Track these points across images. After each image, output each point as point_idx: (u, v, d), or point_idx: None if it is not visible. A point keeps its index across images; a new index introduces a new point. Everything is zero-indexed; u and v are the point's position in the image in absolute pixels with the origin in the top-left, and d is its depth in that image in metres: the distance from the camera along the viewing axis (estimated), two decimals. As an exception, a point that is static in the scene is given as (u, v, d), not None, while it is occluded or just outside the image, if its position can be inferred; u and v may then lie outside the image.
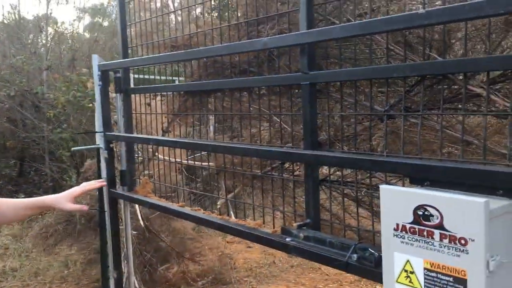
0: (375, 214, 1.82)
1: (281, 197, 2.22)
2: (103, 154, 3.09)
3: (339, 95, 1.89)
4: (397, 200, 1.35)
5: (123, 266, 3.39)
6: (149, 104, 3.68)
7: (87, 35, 13.78)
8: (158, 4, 2.93)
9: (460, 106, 1.64)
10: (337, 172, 2.09)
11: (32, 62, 9.42)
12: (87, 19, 15.99)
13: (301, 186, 2.23)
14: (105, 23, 14.40)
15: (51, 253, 5.63)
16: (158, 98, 4.27)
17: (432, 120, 1.66)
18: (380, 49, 1.92)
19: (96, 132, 3.11)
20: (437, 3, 1.69)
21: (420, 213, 1.29)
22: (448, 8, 1.29)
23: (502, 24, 1.50)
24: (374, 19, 1.55)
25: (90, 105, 8.21)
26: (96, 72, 3.08)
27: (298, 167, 2.19)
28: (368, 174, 1.86)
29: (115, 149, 3.14)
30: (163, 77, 3.36)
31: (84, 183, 1.97)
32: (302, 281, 5.51)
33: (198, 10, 2.80)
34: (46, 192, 7.97)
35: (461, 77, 1.53)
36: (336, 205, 2.06)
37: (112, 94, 3.30)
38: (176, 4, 2.92)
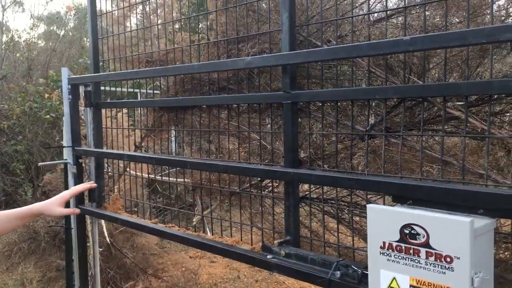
0: (355, 231, 1.87)
1: (259, 214, 2.23)
2: (71, 169, 3.01)
3: (320, 114, 1.93)
4: (384, 219, 1.40)
5: (89, 286, 3.29)
6: (114, 118, 3.62)
7: (41, 43, 13.39)
8: (133, 19, 2.91)
9: (438, 127, 1.72)
10: (317, 190, 2.13)
11: (-15, 71, 9.05)
12: (42, 28, 15.57)
13: (280, 203, 2.25)
14: (61, 32, 14.05)
15: (4, 272, 5.38)
16: (125, 110, 4.21)
17: (411, 141, 1.73)
18: (361, 71, 1.98)
19: (65, 146, 3.03)
20: (415, 28, 1.78)
21: (407, 231, 1.34)
22: (432, 35, 1.36)
23: (479, 50, 1.60)
24: (359, 43, 1.60)
25: (47, 116, 7.96)
26: (65, 85, 3.00)
27: (277, 184, 2.21)
28: (348, 192, 1.90)
29: (83, 164, 3.06)
30: (127, 89, 3.32)
31: (74, 186, 1.92)
32: (267, 296, 5.51)
33: (175, 25, 2.80)
34: (-2, 207, 7.62)
35: (439, 100, 1.60)
36: (315, 222, 2.09)
37: (81, 108, 3.23)
38: (152, 18, 2.91)
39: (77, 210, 1.86)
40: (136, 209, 3.57)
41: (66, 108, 3.03)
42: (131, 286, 4.79)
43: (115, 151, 2.69)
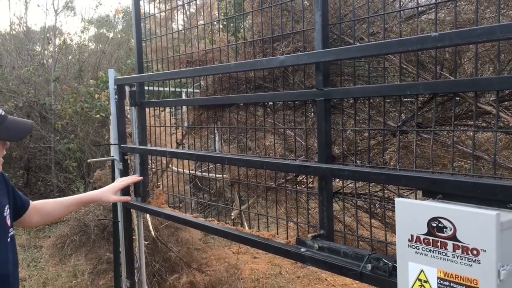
0: (388, 226, 1.89)
1: (295, 209, 2.29)
2: (118, 166, 3.17)
3: (352, 111, 1.97)
4: (411, 213, 1.42)
5: (135, 277, 3.45)
6: (158, 117, 3.77)
7: (91, 46, 13.94)
8: (174, 22, 3.03)
9: (469, 122, 1.72)
10: (350, 185, 2.16)
11: (39, 74, 9.55)
12: (92, 31, 16.18)
13: (315, 198, 2.30)
14: (111, 34, 14.56)
15: (58, 263, 5.70)
16: (167, 110, 4.37)
17: (442, 136, 1.74)
18: (393, 67, 2.00)
19: (112, 144, 3.19)
20: (447, 24, 1.78)
21: (434, 225, 1.36)
22: (460, 31, 1.38)
23: (510, 45, 1.59)
24: (389, 40, 1.63)
25: (97, 116, 8.32)
26: (112, 86, 3.17)
27: (312, 180, 2.26)
28: (381, 187, 1.93)
29: (129, 161, 3.22)
30: (169, 89, 3.45)
31: (121, 178, 2.13)
32: (308, 292, 5.54)
33: (212, 25, 2.90)
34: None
35: (471, 95, 1.61)
36: (349, 217, 2.13)
37: (126, 107, 3.39)
38: (192, 20, 3.02)
39: (129, 198, 2.04)
40: (180, 205, 3.71)
41: (112, 108, 3.20)
42: (176, 279, 4.96)
43: (158, 148, 2.82)
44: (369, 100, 1.88)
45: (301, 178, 2.38)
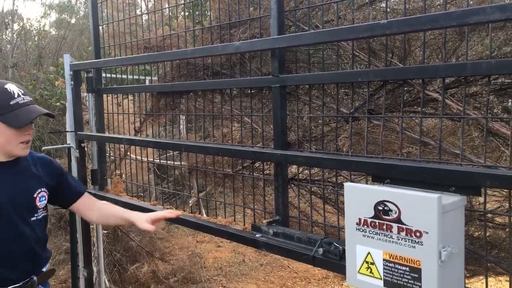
0: (341, 211, 1.93)
1: (252, 196, 2.30)
2: (74, 154, 3.11)
3: (307, 98, 1.99)
4: (359, 197, 1.45)
5: (93, 267, 3.40)
6: (120, 104, 3.70)
7: (53, 32, 13.53)
8: (131, 4, 2.96)
9: (418, 109, 1.76)
10: (305, 171, 2.19)
11: (-4, 60, 9.21)
12: (53, 16, 15.69)
13: (271, 184, 2.32)
14: (72, 20, 14.16)
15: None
16: (130, 98, 4.30)
17: (393, 122, 1.77)
18: (346, 55, 2.02)
19: (68, 131, 3.12)
20: (397, 12, 1.81)
21: (380, 208, 1.40)
22: (406, 19, 1.40)
23: (457, 34, 1.63)
24: (340, 27, 1.65)
25: (58, 103, 8.10)
26: (67, 72, 3.09)
27: (268, 166, 2.27)
28: (334, 173, 1.96)
29: (86, 149, 3.15)
30: (133, 76, 3.39)
31: (164, 212, 2.11)
32: (271, 279, 5.61)
33: (171, 11, 2.85)
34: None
35: (419, 82, 1.64)
36: (303, 203, 2.15)
37: (83, 94, 3.31)
38: (149, 5, 2.96)
39: (153, 228, 2.02)
40: (143, 194, 3.66)
41: (68, 94, 3.12)
42: (137, 268, 4.92)
43: (115, 136, 2.77)
44: (323, 87, 1.90)
45: (257, 165, 2.39)
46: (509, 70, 1.34)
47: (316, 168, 2.10)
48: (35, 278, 1.99)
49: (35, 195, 1.95)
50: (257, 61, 2.25)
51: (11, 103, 1.82)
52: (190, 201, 2.43)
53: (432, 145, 1.63)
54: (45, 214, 2.02)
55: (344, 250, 1.65)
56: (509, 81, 1.62)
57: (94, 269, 3.37)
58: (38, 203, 1.96)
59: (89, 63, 2.98)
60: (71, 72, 3.04)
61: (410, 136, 1.71)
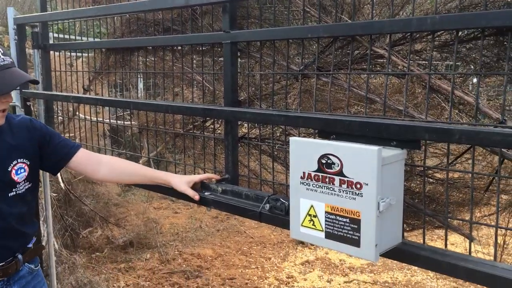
0: (289, 169, 1.94)
1: (202, 155, 2.28)
2: (19, 113, 2.98)
3: (258, 55, 1.96)
4: (304, 151, 1.46)
5: (42, 229, 3.32)
6: (72, 65, 3.56)
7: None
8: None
9: (366, 67, 1.77)
10: (256, 131, 2.18)
11: None
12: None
13: (221, 144, 2.30)
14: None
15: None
16: (80, 60, 4.14)
17: (341, 80, 1.78)
18: (297, 11, 2.00)
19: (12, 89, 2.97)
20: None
21: (324, 161, 1.41)
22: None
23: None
24: (289, -21, 1.62)
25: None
26: (11, 26, 2.93)
27: (219, 126, 2.25)
28: (284, 132, 1.96)
29: (32, 108, 3.03)
30: (87, 38, 3.24)
31: (202, 175, 1.92)
32: (227, 244, 5.67)
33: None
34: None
35: (367, 39, 1.65)
36: (253, 161, 2.15)
37: (29, 51, 3.16)
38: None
39: (197, 197, 1.85)
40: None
41: (12, 50, 2.96)
42: (90, 232, 4.85)
43: (62, 93, 2.67)
44: (274, 44, 1.87)
45: (208, 125, 2.37)
46: (453, 25, 1.35)
47: (266, 127, 2.09)
48: (20, 256, 1.86)
49: (9, 169, 1.76)
50: (209, 17, 2.19)
51: None
52: (140, 161, 2.39)
53: (378, 103, 1.65)
54: (29, 186, 1.83)
55: (289, 206, 1.67)
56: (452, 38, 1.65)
57: (43, 232, 3.30)
58: (15, 177, 1.77)
59: (34, 16, 2.84)
60: (15, 26, 2.89)
61: (357, 93, 1.72)
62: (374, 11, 1.61)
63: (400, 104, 1.64)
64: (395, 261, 5.11)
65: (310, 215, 1.47)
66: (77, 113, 3.07)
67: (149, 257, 5.14)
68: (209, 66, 2.23)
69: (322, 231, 1.44)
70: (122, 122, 2.97)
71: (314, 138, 1.80)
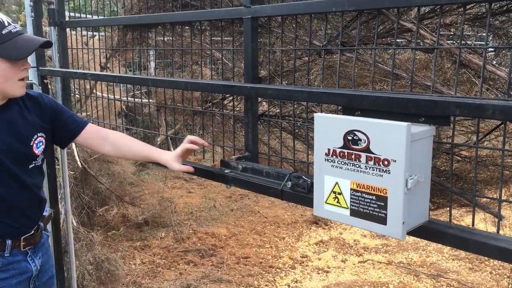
0: (310, 146, 1.91)
1: (221, 133, 2.26)
2: (37, 90, 2.98)
3: (280, 31, 1.92)
4: (329, 127, 1.43)
5: (60, 206, 3.35)
6: (87, 44, 3.54)
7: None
8: None
9: (392, 41, 1.73)
10: (275, 109, 2.15)
11: (-47, -4, 8.64)
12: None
13: (241, 122, 2.28)
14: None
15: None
16: (96, 38, 4.12)
17: (366, 55, 1.74)
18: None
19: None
20: None
21: (350, 138, 1.38)
22: None
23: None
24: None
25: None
26: (27, 3, 2.91)
27: (238, 103, 2.23)
28: (305, 109, 1.93)
29: (49, 86, 3.02)
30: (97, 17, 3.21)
31: (186, 145, 1.84)
32: (241, 223, 5.70)
33: None
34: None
35: (394, 13, 1.60)
36: (273, 140, 2.13)
37: (45, 28, 3.15)
38: None
39: (192, 169, 1.88)
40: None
41: (29, 27, 2.95)
42: (106, 210, 4.90)
43: (79, 71, 2.65)
44: (296, 19, 1.83)
45: (227, 102, 2.34)
46: (486, -3, 1.30)
47: (286, 105, 2.06)
48: (41, 223, 1.97)
49: (31, 143, 1.83)
50: (228, -8, 2.15)
51: (3, 32, 1.62)
52: (158, 139, 2.37)
53: (405, 78, 1.60)
54: (43, 157, 1.95)
55: (312, 184, 1.65)
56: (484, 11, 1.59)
57: (61, 209, 3.33)
58: (36, 151, 1.85)
59: (50, -7, 2.81)
60: (31, 3, 2.86)
61: (383, 69, 1.68)
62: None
63: (428, 79, 1.59)
64: (410, 242, 5.10)
65: (334, 192, 1.45)
66: (94, 91, 3.07)
67: (164, 236, 5.19)
68: (228, 43, 2.20)
69: (347, 208, 1.42)
70: (140, 100, 2.96)
71: (337, 114, 1.77)
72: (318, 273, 4.51)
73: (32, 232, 1.90)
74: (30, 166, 1.85)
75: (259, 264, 4.69)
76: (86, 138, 2.00)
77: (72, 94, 3.06)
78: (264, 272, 4.50)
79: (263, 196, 6.55)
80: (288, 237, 5.36)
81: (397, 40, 1.59)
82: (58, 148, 3.29)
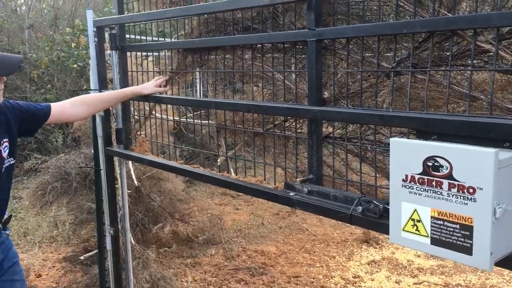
0: (378, 169, 1.87)
1: (283, 155, 2.25)
2: (99, 113, 3.07)
3: (344, 52, 1.90)
4: (407, 152, 1.39)
5: (119, 226, 3.43)
6: (140, 65, 3.64)
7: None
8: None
9: (467, 62, 1.67)
10: (338, 131, 2.12)
11: (12, 21, 9.13)
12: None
13: (302, 143, 2.27)
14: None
15: (38, 214, 5.65)
16: (150, 58, 4.23)
17: (438, 76, 1.69)
18: (388, 5, 1.92)
19: (91, 89, 3.08)
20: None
21: (430, 164, 1.34)
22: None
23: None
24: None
25: (75, 65, 8.06)
26: (90, 28, 3.02)
27: (301, 125, 2.22)
28: (372, 131, 1.90)
29: (110, 108, 3.12)
30: (152, 38, 3.30)
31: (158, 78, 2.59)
32: (290, 241, 5.64)
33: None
34: (30, 154, 7.88)
35: (470, 34, 1.55)
36: (338, 161, 2.10)
37: (107, 52, 3.25)
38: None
39: (166, 89, 2.53)
40: (163, 156, 3.64)
41: (92, 52, 3.06)
42: (159, 228, 4.97)
43: (141, 93, 2.72)
44: (362, 40, 1.81)
45: (288, 124, 2.33)
46: None
47: (351, 126, 2.03)
48: (0, 225, 2.17)
49: (1, 146, 2.07)
50: (290, 14, 2.16)
51: None
52: (218, 160, 2.40)
53: (482, 100, 1.55)
54: (12, 161, 2.14)
55: (384, 209, 1.61)
56: None
57: (120, 227, 3.40)
58: (3, 153, 2.08)
59: (113, 19, 2.91)
60: (95, 29, 2.98)
61: (456, 91, 1.63)
62: (472, 4, 1.51)
63: (507, 101, 1.53)
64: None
65: (413, 219, 1.41)
66: (154, 112, 3.14)
67: (214, 253, 5.21)
68: (289, 64, 2.20)
69: (427, 236, 1.37)
70: (200, 121, 3.00)
71: (408, 138, 1.73)
72: (372, 295, 4.39)
73: None
74: (2, 167, 2.05)
75: (310, 283, 4.62)
76: (56, 118, 2.33)
77: (131, 115, 3.14)
78: (316, 292, 4.42)
79: (311, 214, 6.48)
80: (338, 256, 5.26)
81: (473, 60, 1.54)
82: (117, 168, 3.37)
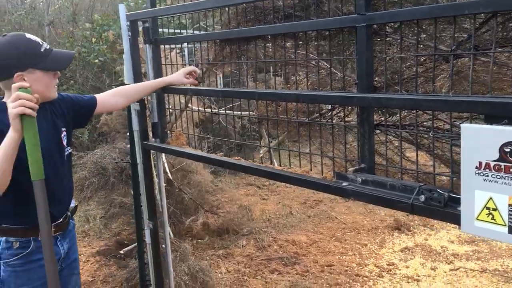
0: (436, 157, 1.82)
1: (330, 144, 2.21)
2: (134, 107, 3.06)
3: (397, 37, 1.84)
4: (480, 139, 1.34)
5: (157, 218, 3.42)
6: (167, 57, 3.60)
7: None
8: None
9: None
10: (389, 118, 2.07)
11: (32, 17, 9.18)
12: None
13: (350, 131, 2.22)
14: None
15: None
16: (174, 52, 4.19)
17: (503, 58, 1.63)
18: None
19: (126, 84, 3.06)
20: None
21: (508, 150, 1.29)
22: None
23: None
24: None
25: (96, 61, 8.09)
26: (124, 22, 2.99)
27: (348, 113, 2.17)
28: (429, 117, 1.84)
29: (145, 102, 3.10)
30: (186, 31, 3.27)
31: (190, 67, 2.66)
32: (320, 230, 5.62)
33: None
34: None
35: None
36: (390, 150, 2.05)
37: (140, 45, 3.23)
38: None
39: (196, 82, 2.57)
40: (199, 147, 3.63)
41: (126, 46, 3.03)
42: (193, 220, 4.98)
43: (180, 87, 2.69)
44: (417, 23, 1.75)
45: (335, 112, 2.29)
46: None
47: (403, 113, 1.98)
48: (69, 212, 2.24)
49: (62, 136, 2.17)
50: (335, 0, 2.10)
51: (42, 50, 2.00)
52: (261, 151, 2.36)
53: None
54: (70, 150, 2.24)
55: (449, 197, 1.56)
56: None
57: (158, 221, 3.40)
58: (64, 142, 2.18)
59: (147, 12, 2.87)
60: (128, 23, 2.95)
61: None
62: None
63: None
64: (503, 248, 4.81)
65: (488, 208, 1.36)
66: (190, 105, 3.11)
67: (245, 244, 5.21)
68: (334, 51, 2.14)
69: (505, 225, 1.32)
70: (240, 112, 2.97)
71: (470, 123, 1.67)
72: (408, 282, 4.35)
73: (61, 220, 2.15)
74: (62, 156, 2.14)
75: (344, 272, 4.60)
76: (101, 107, 2.44)
77: (166, 108, 3.11)
78: (351, 281, 4.40)
79: (339, 202, 6.44)
80: (370, 243, 5.22)
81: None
82: (152, 161, 3.36)
